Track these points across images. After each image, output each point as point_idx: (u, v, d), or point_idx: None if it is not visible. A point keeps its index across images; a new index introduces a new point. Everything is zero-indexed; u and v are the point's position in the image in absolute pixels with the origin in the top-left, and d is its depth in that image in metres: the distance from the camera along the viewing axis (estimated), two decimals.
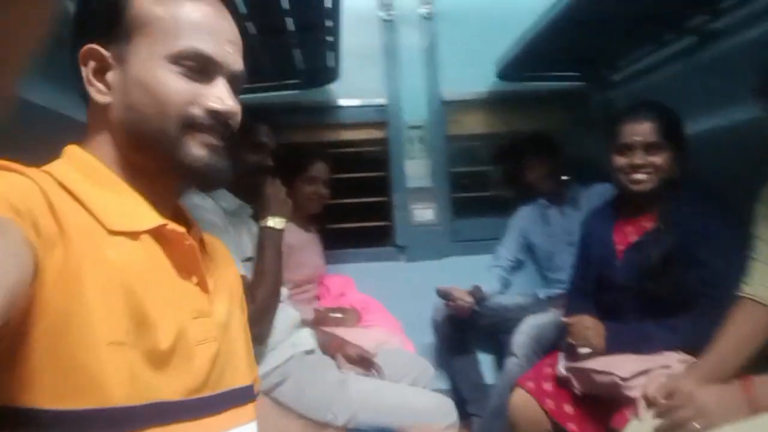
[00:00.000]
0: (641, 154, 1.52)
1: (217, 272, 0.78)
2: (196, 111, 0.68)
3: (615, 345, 1.44)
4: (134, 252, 0.63)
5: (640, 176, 1.53)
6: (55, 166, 0.65)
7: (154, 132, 0.67)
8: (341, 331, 1.85)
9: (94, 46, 0.67)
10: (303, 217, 2.22)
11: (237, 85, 0.73)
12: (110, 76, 0.68)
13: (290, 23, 1.81)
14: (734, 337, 1.22)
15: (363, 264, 2.56)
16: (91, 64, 0.68)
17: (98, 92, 0.68)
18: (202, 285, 0.72)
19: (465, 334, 2.41)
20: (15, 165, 0.57)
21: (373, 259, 2.63)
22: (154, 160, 0.69)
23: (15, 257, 0.47)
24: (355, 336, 1.82)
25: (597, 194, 2.26)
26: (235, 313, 0.79)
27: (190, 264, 0.70)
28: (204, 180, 0.71)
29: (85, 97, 0.70)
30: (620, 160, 1.57)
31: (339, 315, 2.07)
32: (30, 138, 0.82)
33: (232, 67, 0.71)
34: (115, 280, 0.59)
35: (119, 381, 0.57)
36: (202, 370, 0.67)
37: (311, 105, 2.64)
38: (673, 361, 1.35)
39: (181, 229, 0.69)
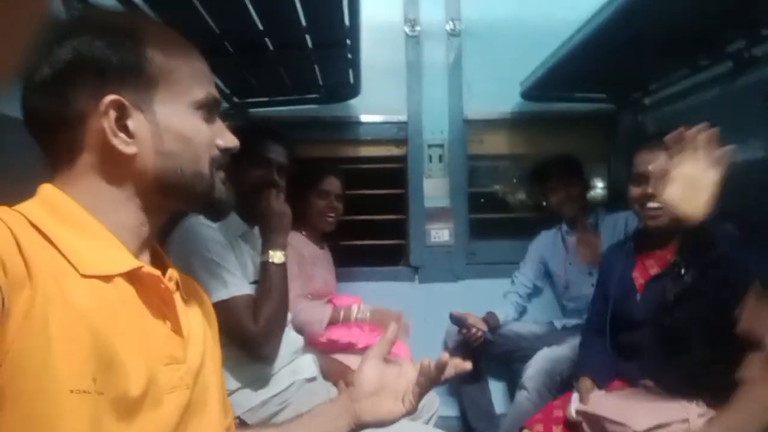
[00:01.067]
0: (655, 183, 1.45)
1: (194, 316, 0.76)
2: (215, 152, 0.73)
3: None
4: (105, 295, 0.61)
5: (655, 206, 1.48)
6: (28, 206, 0.63)
7: (192, 175, 0.70)
8: (344, 357, 1.80)
9: (117, 96, 0.64)
10: (316, 233, 2.19)
11: None
12: (131, 124, 0.66)
13: (308, 40, 1.77)
14: (759, 395, 1.13)
15: (375, 283, 2.52)
16: (113, 114, 0.65)
17: (123, 143, 0.66)
18: (176, 329, 0.70)
19: (477, 360, 2.34)
20: None
21: (386, 279, 2.58)
22: (183, 200, 0.73)
23: None
24: (358, 359, 1.76)
25: (620, 222, 2.18)
26: (210, 357, 0.76)
27: (164, 308, 0.69)
28: (221, 212, 0.77)
29: (50, 129, 0.66)
30: (635, 191, 1.53)
31: (366, 314, 2.01)
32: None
33: (220, 107, 0.77)
34: (83, 324, 0.56)
35: (78, 431, 0.54)
36: (171, 420, 0.65)
37: (330, 120, 2.61)
38: (693, 414, 1.27)
39: (156, 272, 0.68)
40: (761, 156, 1.61)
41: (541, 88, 2.35)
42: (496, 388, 2.46)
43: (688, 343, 1.39)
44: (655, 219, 1.48)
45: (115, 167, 0.66)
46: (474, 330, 2.18)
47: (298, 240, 2.10)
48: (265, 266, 1.44)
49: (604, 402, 1.41)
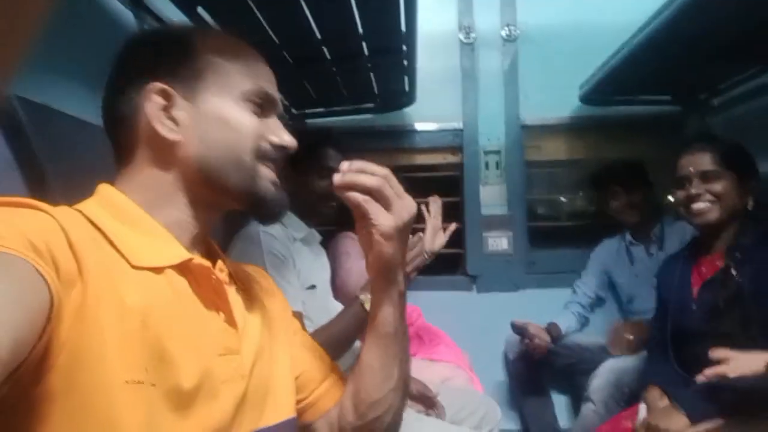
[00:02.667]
0: (698, 183, 1.47)
1: (252, 306, 0.76)
2: (265, 144, 0.72)
3: (694, 414, 1.30)
4: (157, 288, 0.62)
5: (699, 206, 1.47)
6: (86, 204, 0.67)
7: (232, 164, 0.70)
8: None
9: (162, 84, 0.68)
10: None
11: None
12: (177, 113, 0.69)
13: (365, 47, 1.80)
14: None
15: (431, 292, 2.48)
16: (158, 100, 0.68)
17: (167, 129, 0.68)
18: (230, 321, 0.70)
19: (539, 373, 2.28)
20: (35, 202, 0.57)
21: (443, 288, 2.54)
22: (226, 193, 0.71)
23: (21, 301, 0.46)
24: (417, 369, 1.74)
25: (684, 232, 2.08)
26: (272, 348, 0.77)
27: (216, 299, 0.69)
28: (269, 213, 0.75)
29: (116, 129, 0.71)
30: (679, 194, 1.52)
31: None
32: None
33: (280, 108, 0.77)
34: (134, 316, 0.57)
35: (135, 422, 0.55)
36: (227, 411, 0.65)
37: (386, 129, 2.62)
38: None
39: (206, 263, 0.69)
40: None
41: (601, 91, 2.28)
42: (559, 402, 2.38)
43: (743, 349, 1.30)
44: (701, 216, 1.47)
45: (164, 157, 0.69)
46: (537, 340, 2.12)
47: (357, 244, 2.11)
48: (354, 301, 1.39)
49: (673, 415, 1.33)
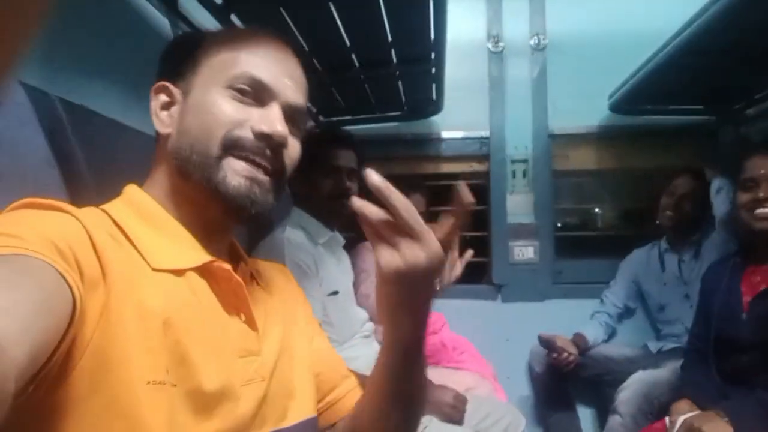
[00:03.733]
0: (766, 186, 1.43)
1: (272, 306, 0.76)
2: (244, 133, 0.67)
3: (740, 424, 1.24)
4: (178, 289, 0.63)
5: (764, 211, 1.43)
6: (112, 205, 0.68)
7: (197, 154, 0.66)
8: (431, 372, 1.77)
9: (165, 82, 0.70)
10: None
11: (295, 118, 0.72)
12: (174, 109, 0.70)
13: (393, 55, 1.81)
14: None
15: (456, 301, 2.45)
16: (161, 98, 0.70)
17: (161, 124, 0.70)
18: (250, 323, 0.70)
19: (565, 384, 2.24)
20: (59, 204, 0.57)
21: (468, 297, 2.52)
22: (195, 187, 0.67)
23: (44, 306, 0.46)
24: (441, 377, 1.73)
25: (719, 245, 2.03)
26: (293, 347, 0.76)
27: (237, 301, 0.69)
28: (235, 210, 0.67)
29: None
30: (744, 196, 1.47)
31: None
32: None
33: (288, 98, 0.70)
34: (156, 318, 0.58)
35: (158, 422, 0.55)
36: (248, 412, 0.65)
37: (412, 137, 2.63)
38: None
39: (227, 266, 0.68)
40: None
41: (631, 100, 2.25)
42: (585, 415, 2.34)
43: None
44: (765, 221, 1.42)
45: (162, 155, 0.70)
46: (565, 354, 2.09)
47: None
48: None
49: (717, 423, 1.29)
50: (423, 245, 0.57)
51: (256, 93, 0.68)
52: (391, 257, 0.58)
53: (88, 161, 0.86)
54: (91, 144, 0.87)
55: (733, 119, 2.35)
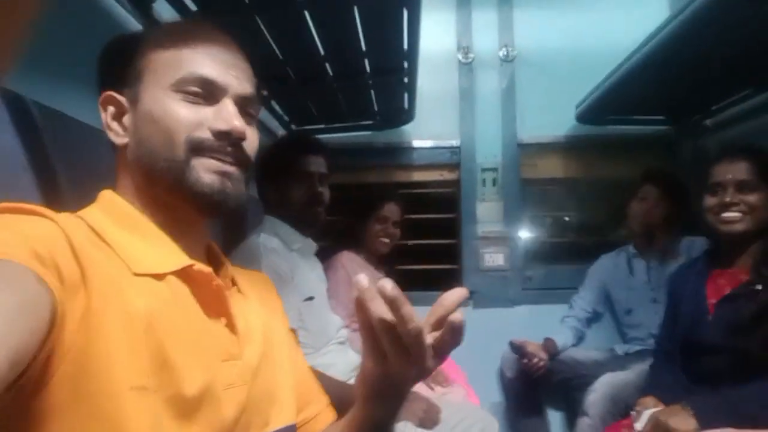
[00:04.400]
0: (733, 192, 1.46)
1: (253, 311, 0.76)
2: (203, 134, 0.67)
3: (704, 417, 1.29)
4: (158, 294, 0.62)
5: (730, 215, 1.45)
6: (88, 211, 0.67)
7: (164, 161, 0.66)
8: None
9: (111, 92, 0.70)
10: (373, 256, 2.21)
11: (249, 108, 0.73)
12: (126, 118, 0.70)
13: (367, 65, 1.83)
14: None
15: (428, 308, 2.48)
16: (110, 109, 0.70)
17: (116, 135, 0.70)
18: (231, 326, 0.70)
19: (535, 389, 2.28)
20: (38, 209, 0.57)
21: None
22: (168, 192, 0.68)
23: (23, 311, 0.46)
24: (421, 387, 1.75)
25: (686, 248, 2.10)
26: (272, 353, 0.76)
27: (218, 305, 0.69)
28: (213, 207, 0.68)
29: None
30: (711, 200, 1.50)
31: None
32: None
33: (238, 90, 0.70)
34: (138, 322, 0.58)
35: (142, 427, 0.55)
36: (231, 417, 0.65)
37: (384, 146, 2.66)
38: None
39: (207, 269, 0.68)
40: None
41: (597, 111, 2.33)
42: (554, 418, 2.38)
43: (765, 369, 1.31)
44: (730, 225, 1.45)
45: (124, 164, 0.71)
46: (535, 360, 2.13)
47: (354, 260, 2.13)
48: None
49: (682, 416, 1.33)
50: (416, 361, 0.55)
51: (207, 92, 0.68)
52: (379, 364, 0.57)
53: (63, 166, 0.85)
54: (66, 148, 0.87)
55: (692, 130, 2.45)
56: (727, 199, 1.45)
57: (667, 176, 2.24)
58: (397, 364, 0.55)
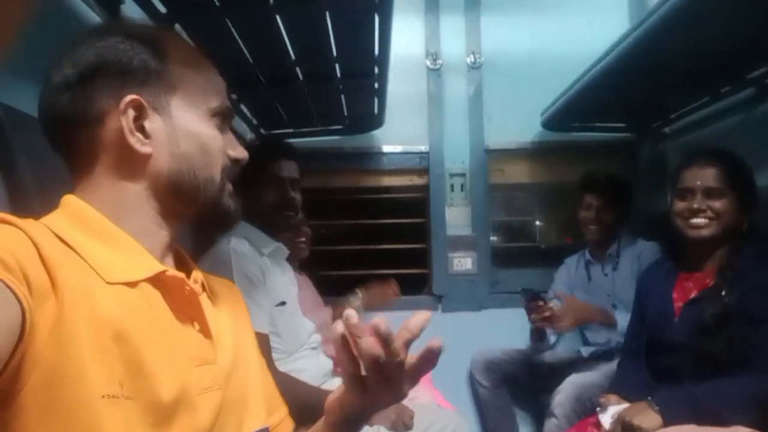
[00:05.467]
0: (701, 198, 1.48)
1: (222, 316, 0.76)
2: (226, 160, 0.74)
3: (668, 413, 1.33)
4: (131, 301, 0.61)
5: (698, 221, 1.48)
6: (52, 218, 0.64)
7: (204, 180, 0.71)
8: None
9: (136, 96, 0.66)
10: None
11: None
12: (147, 125, 0.67)
13: (338, 69, 1.83)
14: None
15: (398, 312, 2.48)
16: (131, 113, 0.66)
17: (140, 143, 0.66)
18: (204, 331, 0.70)
19: (504, 391, 2.31)
20: (5, 216, 0.56)
21: (408, 308, 2.52)
22: (195, 206, 0.72)
23: None
24: None
25: (639, 254, 2.16)
26: (245, 355, 0.77)
27: (191, 310, 0.69)
28: (229, 224, 0.78)
29: (71, 134, 0.67)
30: (679, 205, 1.52)
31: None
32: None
33: (232, 118, 0.79)
34: (110, 330, 0.57)
35: None
36: (206, 422, 0.64)
37: (353, 150, 2.67)
38: None
39: (180, 274, 0.68)
40: None
41: (561, 117, 2.39)
42: (523, 419, 2.42)
43: (727, 369, 1.35)
44: (698, 230, 1.48)
45: (132, 168, 0.67)
46: (548, 306, 2.01)
47: None
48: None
49: (647, 413, 1.36)
50: (395, 388, 0.60)
51: (224, 120, 0.75)
52: (359, 396, 0.62)
53: (31, 169, 0.83)
54: (34, 152, 0.84)
55: (652, 136, 2.53)
56: (695, 206, 1.47)
57: (606, 182, 2.25)
58: (377, 393, 0.60)
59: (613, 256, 2.25)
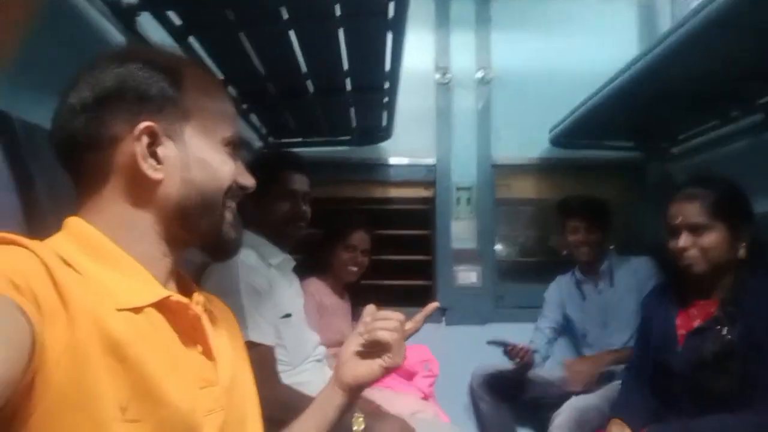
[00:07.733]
0: (686, 235, 1.45)
1: (221, 336, 0.77)
2: (234, 186, 0.75)
3: None
4: (138, 326, 0.62)
5: (687, 259, 1.45)
6: (57, 241, 0.65)
7: (206, 207, 0.71)
8: (375, 394, 1.78)
9: (152, 123, 0.66)
10: (339, 283, 2.20)
11: None
12: (162, 152, 0.68)
13: (348, 83, 1.84)
14: None
15: None
16: (145, 140, 0.66)
17: (152, 169, 0.67)
18: (207, 353, 0.71)
19: (505, 406, 2.30)
20: (17, 237, 0.56)
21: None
22: (195, 233, 0.72)
23: (2, 336, 0.46)
24: (385, 401, 1.75)
25: (633, 270, 2.17)
26: (241, 376, 0.78)
27: (194, 333, 0.70)
28: (226, 255, 0.78)
29: (81, 155, 0.67)
30: (670, 242, 1.50)
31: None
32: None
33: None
34: (120, 354, 0.57)
35: None
36: None
37: (361, 162, 2.68)
38: None
39: (184, 300, 0.70)
40: None
41: (570, 135, 2.40)
42: None
43: (729, 402, 1.34)
44: (689, 267, 1.46)
45: (141, 193, 0.67)
46: (520, 346, 2.11)
47: (321, 289, 2.13)
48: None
49: None
50: (394, 354, 0.88)
51: (235, 148, 0.76)
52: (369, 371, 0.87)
53: (47, 184, 0.84)
54: (48, 164, 0.85)
55: (660, 156, 2.53)
56: (680, 244, 1.45)
57: (585, 204, 2.27)
58: (374, 362, 0.87)
59: (606, 273, 2.26)
